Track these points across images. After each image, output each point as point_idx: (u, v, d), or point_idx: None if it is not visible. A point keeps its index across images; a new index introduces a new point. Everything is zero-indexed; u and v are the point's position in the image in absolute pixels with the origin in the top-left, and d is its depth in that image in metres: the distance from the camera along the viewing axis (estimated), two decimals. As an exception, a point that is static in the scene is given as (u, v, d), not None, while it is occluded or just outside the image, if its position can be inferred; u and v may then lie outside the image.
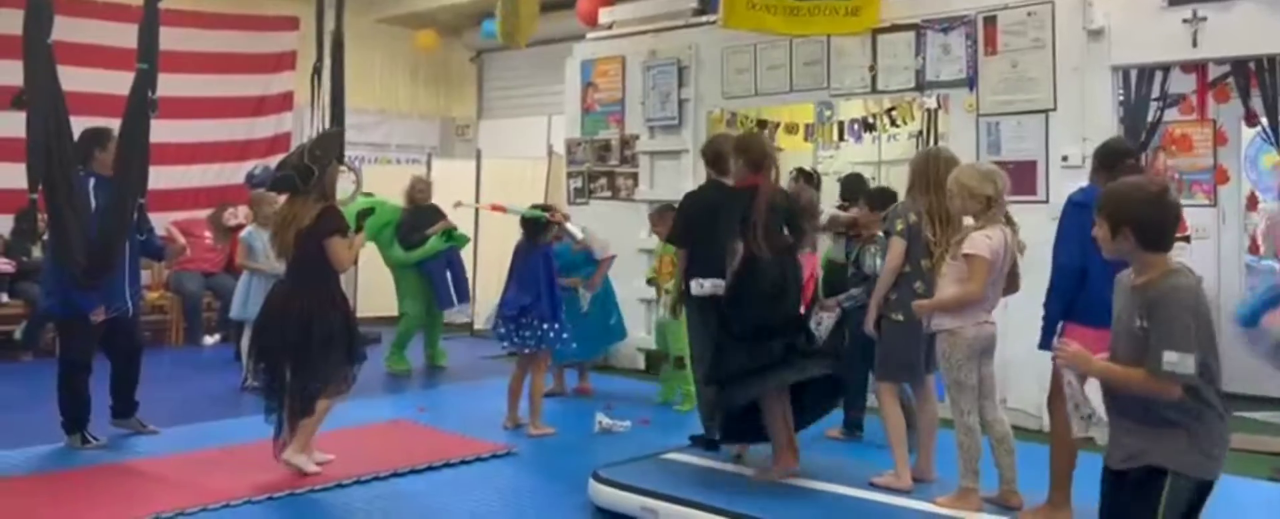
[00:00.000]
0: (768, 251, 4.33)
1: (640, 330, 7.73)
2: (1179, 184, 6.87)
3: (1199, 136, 7.06)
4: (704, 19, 7.55)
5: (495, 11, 7.21)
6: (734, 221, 4.37)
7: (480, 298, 8.06)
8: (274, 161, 6.20)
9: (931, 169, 4.22)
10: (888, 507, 3.95)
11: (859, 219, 5.42)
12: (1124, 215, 2.50)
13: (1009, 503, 3.88)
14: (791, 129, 8.36)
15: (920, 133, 7.86)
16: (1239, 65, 6.05)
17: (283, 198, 4.86)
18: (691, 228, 4.60)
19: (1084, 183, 4.29)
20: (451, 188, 7.81)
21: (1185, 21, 5.37)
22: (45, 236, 5.23)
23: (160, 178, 8.07)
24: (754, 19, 6.29)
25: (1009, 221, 3.88)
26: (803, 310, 4.74)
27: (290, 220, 4.60)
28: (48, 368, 5.55)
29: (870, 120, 8.02)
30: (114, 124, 5.14)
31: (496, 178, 9.56)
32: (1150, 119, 6.42)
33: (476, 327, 9.32)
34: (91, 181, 5.14)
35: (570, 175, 8.50)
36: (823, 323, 5.39)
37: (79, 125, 5.04)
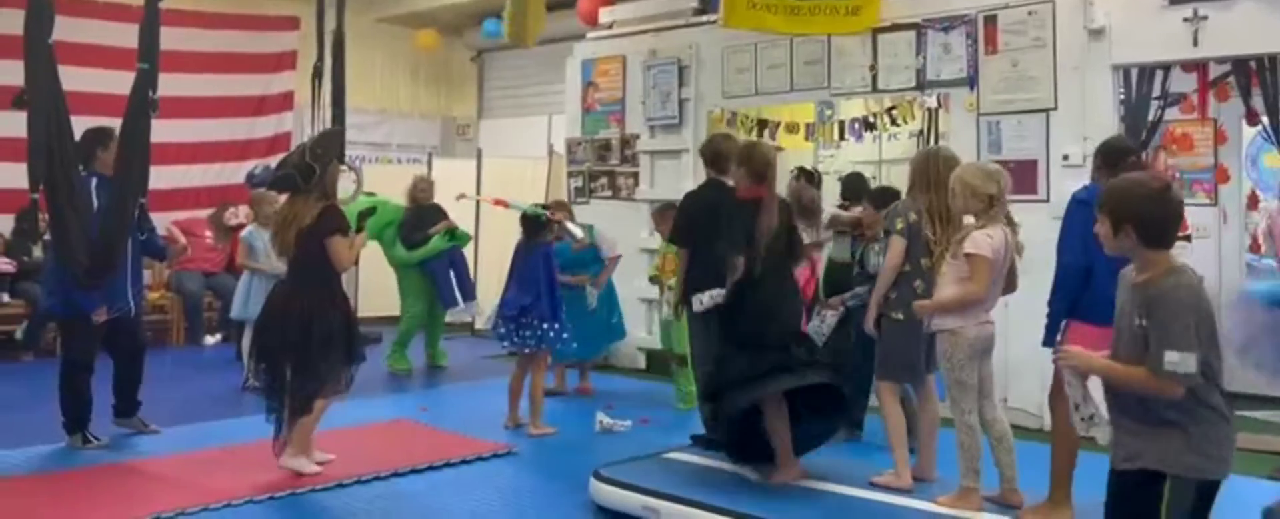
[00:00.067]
0: (768, 266, 4.32)
1: (641, 330, 7.73)
2: (1179, 183, 6.87)
3: (1200, 136, 7.06)
4: (704, 18, 7.55)
5: (503, 12, 7.18)
6: (736, 229, 4.35)
7: (481, 298, 8.07)
8: (275, 161, 6.20)
9: (932, 168, 4.22)
10: (889, 506, 3.95)
11: (863, 219, 5.42)
12: (1125, 212, 2.49)
13: (1010, 502, 3.88)
14: (792, 128, 8.37)
15: (921, 132, 7.87)
16: (1240, 64, 6.05)
17: (283, 197, 4.86)
18: (692, 227, 4.60)
19: (1085, 181, 4.29)
20: (452, 188, 7.80)
21: (1186, 20, 5.36)
22: (46, 236, 5.23)
23: (161, 178, 8.07)
24: (754, 18, 6.29)
25: (1010, 222, 3.87)
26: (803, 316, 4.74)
27: (291, 220, 4.60)
28: (49, 368, 5.55)
29: (871, 119, 8.03)
30: (115, 124, 5.14)
31: (497, 177, 9.55)
32: (1151, 118, 6.43)
33: (477, 326, 9.33)
34: (93, 181, 5.14)
35: (571, 175, 8.50)
36: (826, 320, 5.40)
37: (80, 125, 5.03)
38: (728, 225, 4.40)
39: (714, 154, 4.84)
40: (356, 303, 9.62)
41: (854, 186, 6.51)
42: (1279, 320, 4.01)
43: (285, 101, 10.35)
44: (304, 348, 4.52)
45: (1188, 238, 6.30)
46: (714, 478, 4.35)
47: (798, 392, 4.28)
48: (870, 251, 5.14)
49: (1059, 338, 3.81)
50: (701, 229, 4.52)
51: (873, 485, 4.16)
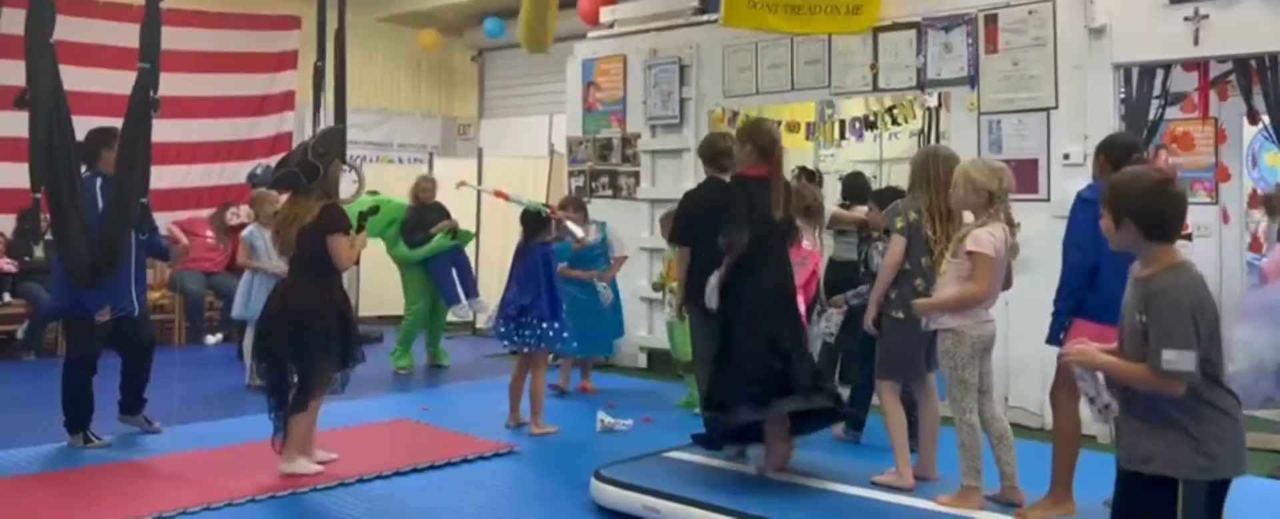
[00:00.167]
0: (769, 245, 4.33)
1: (642, 329, 7.74)
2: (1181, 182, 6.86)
3: (1200, 135, 7.06)
4: (705, 18, 7.55)
5: (518, 21, 7.16)
6: (739, 206, 4.34)
7: (483, 296, 8.09)
8: (276, 161, 6.21)
9: (932, 167, 4.22)
10: (890, 505, 3.95)
11: (868, 219, 5.42)
12: (1126, 206, 2.48)
13: (1010, 500, 3.88)
14: (793, 128, 8.38)
15: (921, 131, 7.87)
16: (1241, 63, 6.04)
17: (284, 196, 4.86)
18: (693, 225, 4.59)
19: (1086, 180, 4.29)
20: (452, 188, 7.83)
21: (1186, 19, 5.36)
22: (48, 236, 5.23)
23: (162, 177, 8.11)
24: (755, 18, 6.28)
25: (1010, 222, 3.87)
26: (800, 305, 4.74)
27: (292, 218, 4.60)
28: (50, 367, 5.56)
29: (871, 119, 8.03)
30: (117, 124, 5.14)
31: (498, 177, 9.55)
32: (1152, 117, 6.42)
33: (480, 325, 9.34)
34: (98, 181, 5.15)
35: (572, 174, 8.50)
36: (832, 320, 5.40)
37: (81, 125, 5.04)
38: (731, 204, 4.39)
39: (712, 152, 4.84)
40: (358, 302, 9.65)
41: (855, 186, 6.52)
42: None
43: (286, 101, 10.36)
44: (302, 346, 4.52)
45: (1189, 236, 6.30)
46: (715, 478, 4.35)
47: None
48: (873, 250, 5.15)
49: (1063, 336, 3.81)
50: (702, 228, 4.52)
51: (874, 484, 4.16)
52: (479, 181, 9.59)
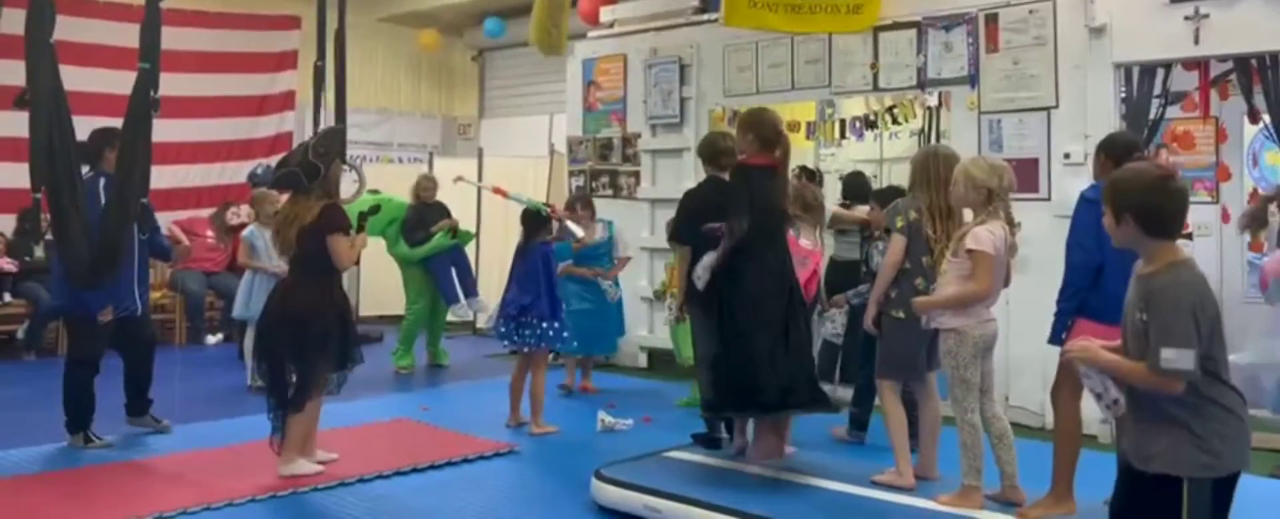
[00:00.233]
0: (771, 233, 4.34)
1: (642, 329, 7.74)
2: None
3: (1201, 134, 7.06)
4: (705, 17, 7.54)
5: (532, 26, 7.14)
6: (741, 196, 4.35)
7: (483, 295, 8.09)
8: (276, 160, 6.21)
9: (932, 166, 4.22)
10: (890, 505, 3.95)
11: (869, 218, 5.42)
12: (1126, 202, 2.47)
13: (1011, 499, 3.88)
14: (793, 127, 8.35)
15: (922, 130, 7.86)
16: (1241, 62, 6.04)
17: (284, 196, 4.86)
18: (694, 224, 4.59)
19: (1087, 179, 4.29)
20: (453, 187, 7.84)
21: (1187, 19, 5.36)
22: (48, 236, 5.23)
23: (162, 177, 8.12)
24: (755, 17, 6.28)
25: (1010, 221, 3.87)
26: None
27: (293, 218, 4.60)
28: (51, 367, 5.56)
29: (872, 118, 8.03)
30: (117, 123, 5.14)
31: (498, 176, 9.53)
32: (1152, 116, 6.41)
33: (480, 325, 9.34)
34: (102, 181, 5.15)
35: (572, 174, 8.50)
36: (837, 320, 5.40)
37: (81, 125, 5.04)
38: (732, 196, 4.39)
39: (712, 152, 4.84)
40: (358, 302, 9.68)
41: (855, 185, 6.52)
42: None
43: (287, 101, 10.36)
44: (300, 346, 4.52)
45: (1189, 235, 6.30)
46: (716, 477, 4.35)
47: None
48: (873, 250, 5.15)
49: (1065, 336, 3.80)
50: (701, 227, 4.51)
51: (874, 484, 4.15)
52: (479, 179, 9.60)
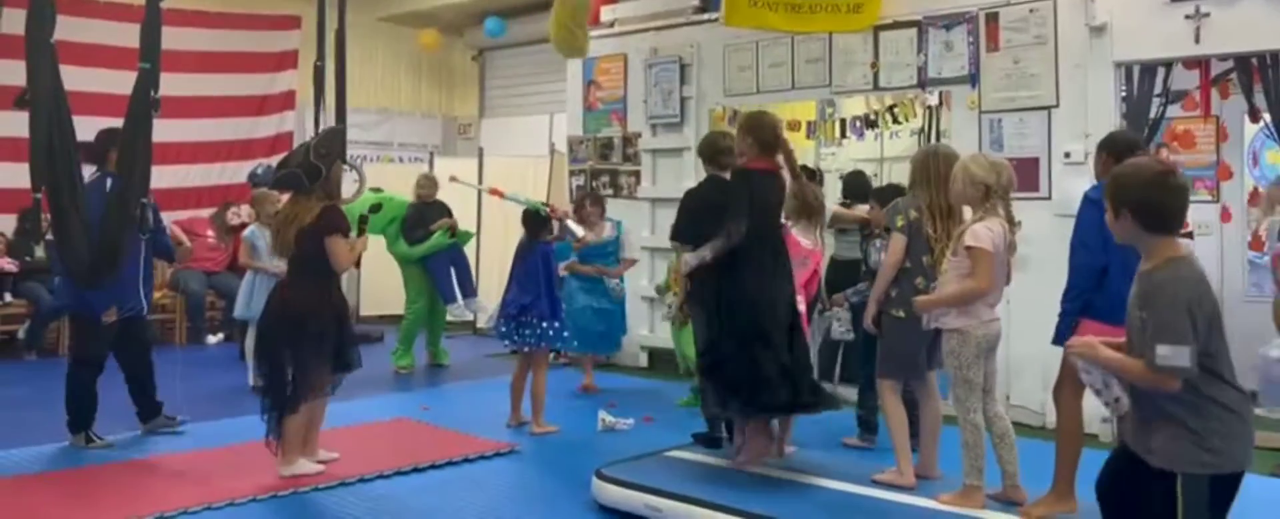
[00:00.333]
0: (769, 235, 4.35)
1: (643, 329, 7.74)
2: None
3: (1202, 133, 7.05)
4: (706, 16, 7.54)
5: (551, 27, 7.11)
6: (741, 198, 4.36)
7: (483, 296, 8.10)
8: (276, 160, 6.21)
9: (932, 165, 4.22)
10: (891, 504, 3.95)
11: (869, 217, 5.42)
12: (1126, 197, 2.46)
13: (1012, 499, 3.88)
14: (794, 126, 8.36)
15: (922, 130, 7.85)
16: (1242, 61, 6.03)
17: (285, 196, 4.86)
18: (694, 224, 4.59)
19: (1088, 178, 4.29)
20: (453, 187, 7.84)
21: (1187, 18, 5.36)
22: (48, 236, 5.24)
23: (163, 177, 8.11)
24: (756, 17, 6.28)
25: (1010, 220, 3.87)
26: (801, 304, 4.74)
27: (292, 219, 4.59)
28: (52, 367, 5.56)
29: (872, 117, 8.02)
30: (117, 123, 5.14)
31: (499, 176, 9.54)
32: (1153, 115, 6.42)
33: (480, 325, 9.34)
34: (108, 181, 5.15)
35: (573, 173, 8.51)
36: (841, 320, 5.39)
37: (81, 125, 5.04)
38: (732, 198, 4.39)
39: (712, 151, 4.84)
40: (358, 302, 9.69)
41: (856, 184, 6.51)
42: None
43: (287, 101, 10.36)
44: (297, 346, 4.52)
45: (1190, 234, 6.29)
46: (716, 476, 4.34)
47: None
48: (872, 249, 5.14)
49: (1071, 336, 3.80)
50: (703, 226, 4.51)
51: (875, 483, 4.15)
52: (480, 181, 9.60)
